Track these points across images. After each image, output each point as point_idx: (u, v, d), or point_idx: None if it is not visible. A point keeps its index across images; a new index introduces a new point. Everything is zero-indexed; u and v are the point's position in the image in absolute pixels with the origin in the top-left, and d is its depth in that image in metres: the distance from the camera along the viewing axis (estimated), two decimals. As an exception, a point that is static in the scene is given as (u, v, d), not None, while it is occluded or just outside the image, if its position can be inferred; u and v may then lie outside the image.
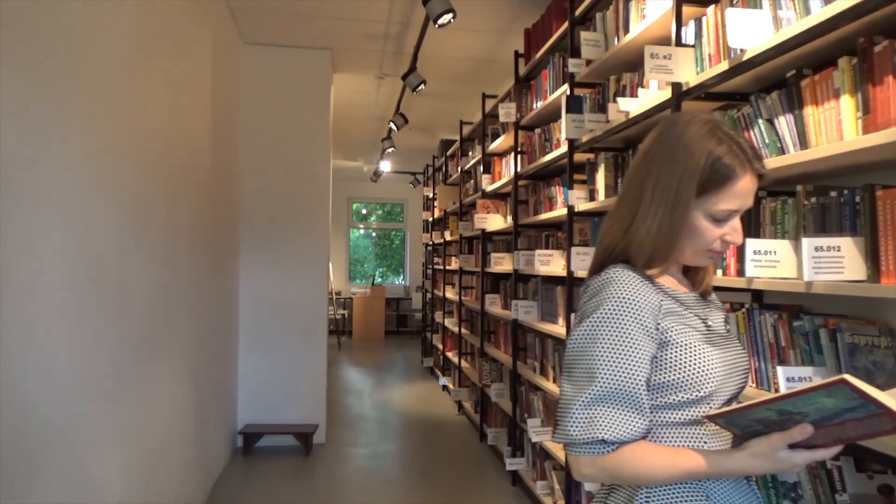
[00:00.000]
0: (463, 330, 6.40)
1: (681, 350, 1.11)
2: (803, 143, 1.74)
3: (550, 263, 3.68)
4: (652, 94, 2.47)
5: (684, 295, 1.20)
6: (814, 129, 1.71)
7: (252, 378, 5.02)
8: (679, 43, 2.24)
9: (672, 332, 1.11)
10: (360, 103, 6.93)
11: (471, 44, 4.97)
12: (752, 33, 1.83)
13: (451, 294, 7.18)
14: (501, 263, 4.74)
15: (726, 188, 1.12)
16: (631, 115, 2.56)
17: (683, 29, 2.27)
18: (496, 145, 5.09)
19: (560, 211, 3.51)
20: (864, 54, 1.54)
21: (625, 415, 1.06)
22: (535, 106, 4.10)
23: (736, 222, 1.16)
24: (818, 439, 1.00)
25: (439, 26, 3.50)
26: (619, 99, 2.64)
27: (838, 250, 1.57)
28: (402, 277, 13.42)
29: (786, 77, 1.82)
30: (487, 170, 5.39)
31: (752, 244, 1.75)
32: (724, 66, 1.98)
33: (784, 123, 1.80)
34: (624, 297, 1.10)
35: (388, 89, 6.25)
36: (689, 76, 2.18)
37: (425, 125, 7.74)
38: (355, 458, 4.91)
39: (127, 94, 2.46)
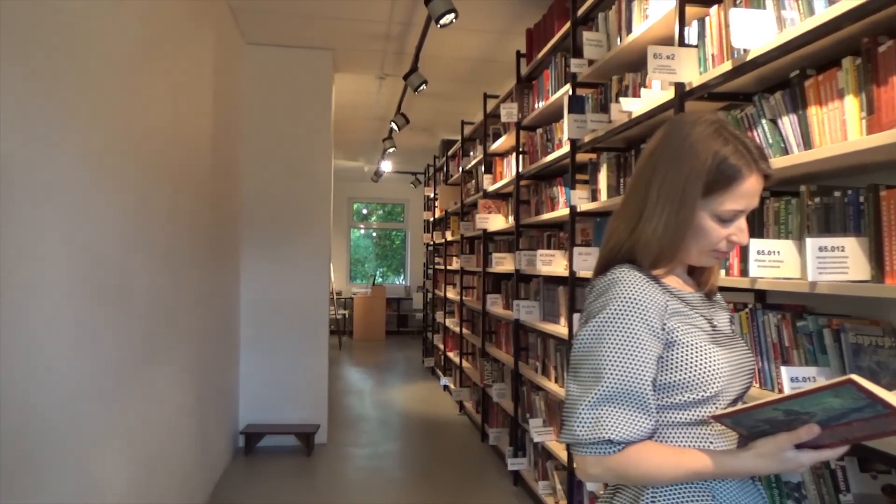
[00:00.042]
0: (464, 330, 6.40)
1: (687, 350, 1.11)
2: (807, 143, 1.74)
3: (552, 263, 3.68)
4: (655, 94, 2.47)
5: (690, 295, 1.20)
6: (817, 130, 1.71)
7: (253, 378, 5.02)
8: (682, 43, 2.24)
9: (678, 332, 1.11)
10: (361, 103, 6.93)
11: (472, 44, 4.97)
12: (756, 33, 1.83)
13: (452, 294, 7.18)
14: (503, 263, 4.74)
15: (732, 188, 1.12)
16: (633, 116, 2.56)
17: (686, 29, 2.26)
18: (498, 145, 5.09)
19: (562, 211, 3.51)
20: (869, 54, 1.54)
21: (631, 415, 1.06)
22: (536, 106, 4.10)
23: (742, 222, 1.16)
24: (825, 439, 1.00)
25: (441, 26, 3.50)
26: (621, 99, 2.64)
27: (842, 250, 1.57)
28: (402, 277, 13.42)
29: (789, 77, 1.82)
30: (489, 170, 5.39)
31: (755, 244, 1.75)
32: (727, 66, 1.98)
33: (788, 123, 1.80)
34: (630, 298, 1.10)
35: (390, 89, 6.25)
36: (692, 76, 2.18)
37: (426, 125, 7.74)
38: (357, 459, 4.91)
39: (128, 93, 2.46)
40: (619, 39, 2.87)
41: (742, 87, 2.08)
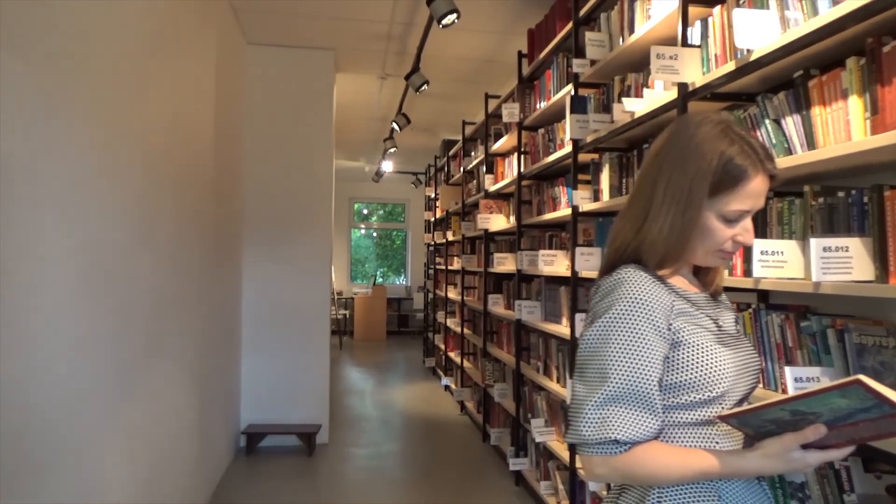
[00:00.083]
0: (465, 330, 6.40)
1: (693, 350, 1.11)
2: (811, 143, 1.74)
3: (554, 264, 3.68)
4: (657, 94, 2.47)
5: (695, 295, 1.20)
6: (821, 130, 1.71)
7: (255, 378, 5.03)
8: (685, 43, 2.24)
9: (684, 332, 1.11)
10: (362, 103, 6.93)
11: (473, 44, 4.97)
12: (760, 34, 1.83)
13: (453, 294, 7.19)
14: (504, 263, 4.74)
15: (738, 189, 1.12)
16: (636, 116, 2.56)
17: (689, 29, 2.27)
18: (499, 145, 5.09)
19: (564, 211, 3.51)
20: (873, 55, 1.54)
21: (637, 415, 1.07)
22: (538, 106, 4.10)
23: (747, 223, 1.16)
24: (831, 440, 1.00)
25: (443, 27, 3.50)
26: (624, 99, 2.64)
27: (846, 251, 1.57)
28: (403, 277, 13.42)
29: (793, 77, 1.82)
30: (490, 170, 5.40)
31: (759, 244, 1.75)
32: (730, 66, 1.98)
33: (791, 124, 1.80)
34: (636, 298, 1.10)
35: (391, 89, 6.25)
36: (696, 76, 2.18)
37: (427, 125, 7.74)
38: (358, 459, 4.91)
39: (131, 92, 2.46)
40: (621, 39, 2.87)
41: (745, 88, 2.08)
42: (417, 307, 12.32)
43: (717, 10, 2.14)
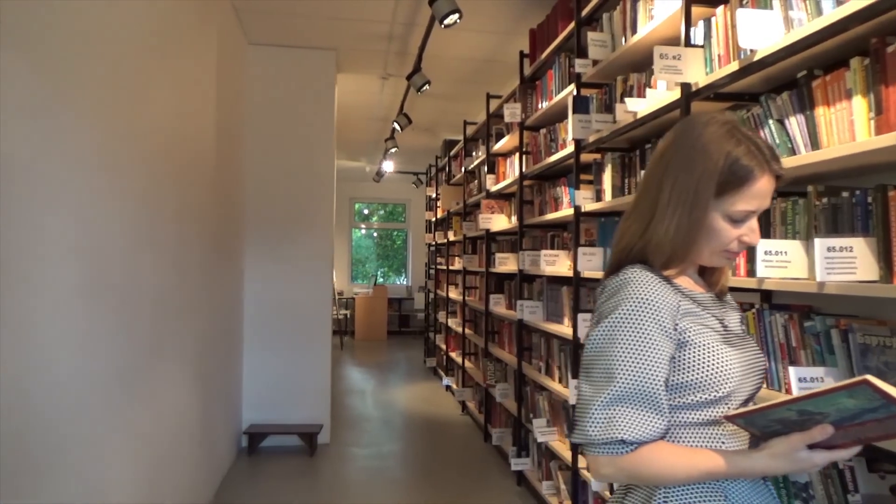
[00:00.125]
0: (467, 330, 6.40)
1: (699, 350, 1.11)
2: (814, 143, 1.74)
3: (556, 264, 3.68)
4: (660, 94, 2.47)
5: (701, 295, 1.21)
6: (825, 130, 1.71)
7: (256, 378, 5.03)
8: (688, 43, 2.24)
9: (690, 332, 1.12)
10: (363, 103, 6.93)
11: (475, 44, 4.97)
12: (763, 34, 1.83)
13: (454, 294, 7.19)
14: (506, 263, 4.74)
15: (744, 189, 1.12)
16: (639, 116, 2.56)
17: (692, 29, 2.27)
18: (501, 145, 5.09)
19: (566, 211, 3.51)
20: (877, 55, 1.54)
21: (644, 415, 1.07)
22: (540, 106, 4.10)
23: (753, 223, 1.16)
24: (837, 440, 1.00)
25: (445, 27, 3.50)
26: (626, 99, 2.64)
27: (850, 251, 1.57)
28: (403, 277, 13.43)
29: (796, 77, 1.82)
30: (492, 170, 5.40)
31: (762, 244, 1.76)
32: (734, 66, 1.98)
33: (795, 124, 1.80)
34: (642, 298, 1.10)
35: (392, 89, 6.25)
36: (699, 77, 2.18)
37: (428, 125, 7.74)
38: (360, 459, 4.92)
39: (134, 92, 2.47)
40: (623, 40, 2.87)
41: (748, 88, 2.08)
42: (418, 307, 12.32)
43: (720, 10, 2.15)
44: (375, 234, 13.78)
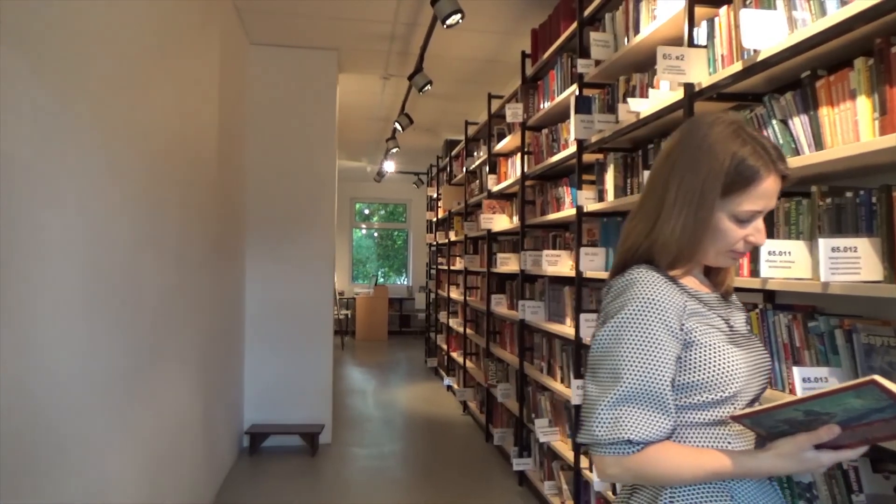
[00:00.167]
0: (468, 330, 6.40)
1: (705, 350, 1.11)
2: (818, 143, 1.75)
3: (558, 264, 3.68)
4: (663, 94, 2.47)
5: (707, 295, 1.21)
6: (829, 130, 1.71)
7: (258, 378, 5.03)
8: (691, 43, 2.24)
9: (696, 332, 1.12)
10: (364, 103, 6.93)
11: (476, 44, 4.97)
12: (767, 34, 1.83)
13: (455, 294, 7.19)
14: (507, 264, 4.74)
15: (750, 189, 1.12)
16: (642, 116, 2.56)
17: (695, 29, 2.27)
18: (502, 146, 5.09)
19: (569, 211, 3.51)
20: (881, 55, 1.54)
21: (650, 415, 1.07)
22: (542, 106, 4.10)
23: (759, 223, 1.16)
24: (844, 440, 1.00)
25: (447, 27, 3.50)
26: (629, 99, 2.64)
27: (855, 251, 1.57)
28: (404, 278, 13.43)
29: (800, 78, 1.82)
30: (493, 170, 5.40)
31: (766, 245, 1.75)
32: (737, 66, 1.98)
33: (799, 124, 1.80)
34: (648, 298, 1.10)
35: (393, 89, 6.26)
36: (702, 77, 2.18)
37: (429, 125, 7.74)
38: (361, 459, 4.92)
39: (136, 93, 2.47)
40: (626, 40, 2.87)
41: (751, 88, 2.08)
42: (419, 307, 12.33)
43: (723, 10, 2.15)
44: (376, 234, 13.78)
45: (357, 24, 4.64)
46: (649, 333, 1.09)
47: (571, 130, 3.28)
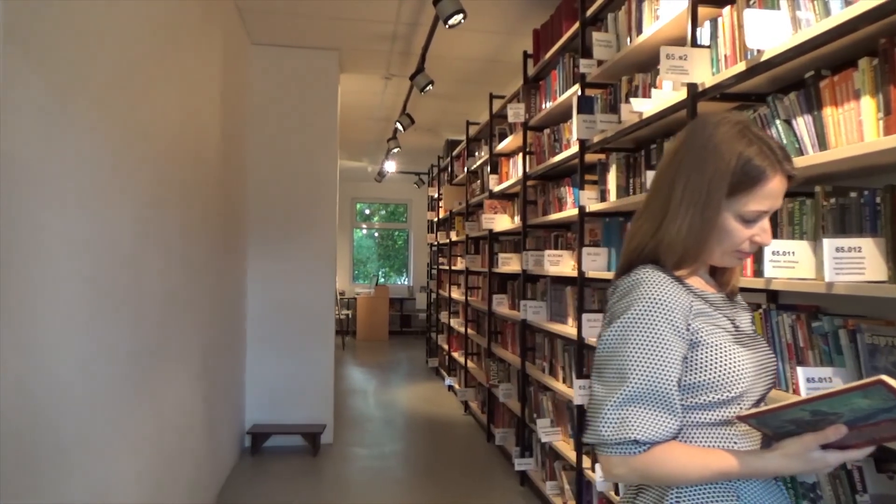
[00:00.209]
0: (469, 330, 6.40)
1: (712, 350, 1.11)
2: (822, 143, 1.75)
3: (560, 264, 3.68)
4: (666, 94, 2.47)
5: (712, 296, 1.21)
6: (833, 130, 1.71)
7: (259, 378, 5.03)
8: (694, 44, 2.24)
9: (703, 332, 1.12)
10: (365, 103, 6.93)
11: (478, 44, 4.97)
12: (771, 34, 1.83)
13: (456, 294, 7.19)
14: (509, 264, 4.74)
15: (756, 189, 1.12)
16: (645, 116, 2.56)
17: (699, 29, 2.27)
18: (504, 146, 5.09)
19: (571, 211, 3.51)
20: (886, 55, 1.54)
21: (657, 415, 1.07)
22: (544, 106, 4.10)
23: (765, 223, 1.16)
24: (851, 440, 1.00)
25: (450, 27, 3.50)
26: (632, 100, 2.64)
27: (859, 251, 1.57)
28: (405, 278, 13.43)
29: (804, 78, 1.82)
30: (495, 170, 5.40)
31: (770, 245, 1.75)
32: (741, 66, 1.98)
33: (802, 124, 1.80)
34: (655, 298, 1.10)
35: (395, 89, 6.26)
36: (705, 77, 2.18)
37: (430, 125, 7.74)
38: (363, 459, 4.92)
39: (140, 94, 2.47)
40: (628, 40, 2.87)
41: (755, 88, 2.08)
42: (420, 307, 12.33)
43: (726, 10, 2.15)
44: (377, 234, 13.78)
45: (358, 24, 4.64)
46: (655, 333, 1.09)
47: (574, 130, 3.28)
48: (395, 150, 7.48)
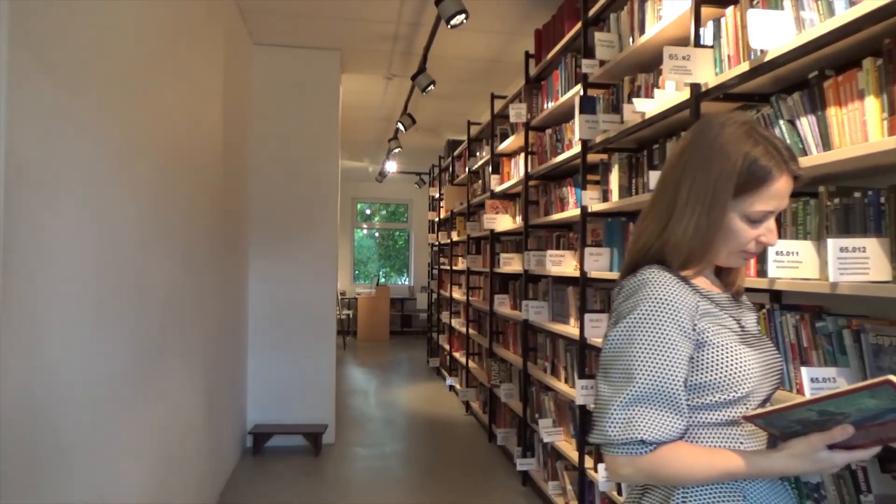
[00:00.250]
0: (470, 330, 6.40)
1: (718, 351, 1.11)
2: (826, 144, 1.74)
3: (562, 264, 3.68)
4: (669, 94, 2.47)
5: (718, 296, 1.21)
6: (837, 130, 1.71)
7: (261, 378, 5.03)
8: (697, 44, 2.24)
9: (709, 332, 1.12)
10: (366, 103, 6.93)
11: (479, 44, 4.97)
12: (775, 34, 1.83)
13: (458, 294, 7.19)
14: (511, 264, 4.74)
15: (763, 189, 1.12)
16: (647, 116, 2.56)
17: (702, 30, 2.27)
18: (505, 146, 5.09)
19: (573, 211, 3.51)
20: (890, 55, 1.54)
21: (663, 415, 1.07)
22: (546, 106, 4.10)
23: (771, 223, 1.16)
24: (858, 440, 1.01)
25: (452, 27, 3.50)
26: (635, 100, 2.64)
27: (863, 251, 1.57)
28: (406, 278, 13.43)
29: (807, 78, 1.82)
30: (496, 170, 5.40)
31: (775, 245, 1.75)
32: (744, 66, 1.98)
33: (806, 124, 1.80)
34: (661, 298, 1.10)
35: (396, 89, 6.26)
36: (708, 77, 2.18)
37: (431, 126, 7.74)
38: (364, 459, 4.92)
39: (144, 95, 2.47)
40: (631, 40, 2.87)
41: (758, 88, 2.08)
42: (421, 307, 12.33)
43: (729, 10, 2.14)
44: (377, 235, 13.78)
45: (360, 24, 4.65)
46: (662, 333, 1.09)
47: (576, 130, 3.28)
48: (396, 150, 7.48)
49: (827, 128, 1.73)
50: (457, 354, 7.07)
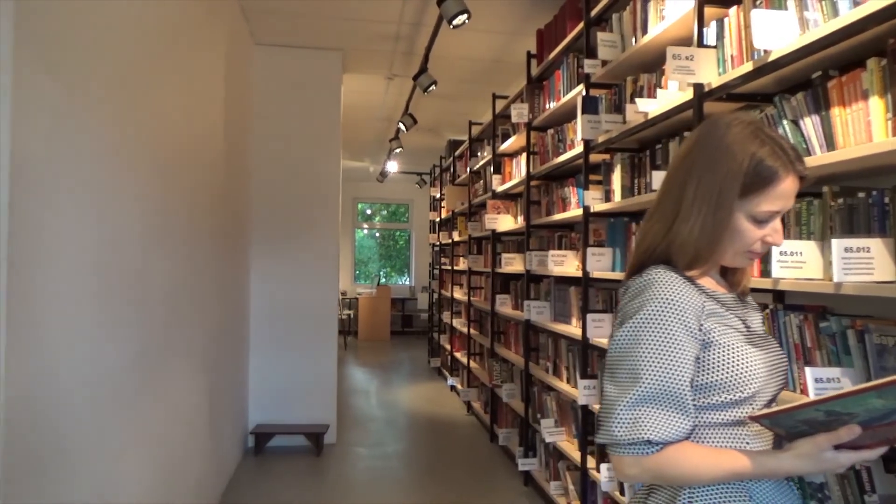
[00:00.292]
0: (472, 330, 6.40)
1: (724, 351, 1.11)
2: (830, 144, 1.75)
3: (564, 264, 3.68)
4: (672, 94, 2.47)
5: (724, 296, 1.21)
6: (841, 131, 1.71)
7: (263, 378, 5.03)
8: (701, 44, 2.24)
9: (715, 332, 1.12)
10: (367, 103, 6.93)
11: (481, 44, 4.97)
12: (778, 34, 1.83)
13: (459, 294, 7.19)
14: (512, 264, 4.74)
15: (769, 190, 1.12)
16: (650, 116, 2.56)
17: (705, 30, 2.27)
18: (507, 146, 5.09)
19: (575, 211, 3.51)
20: (894, 56, 1.54)
21: (669, 415, 1.07)
22: (547, 107, 4.10)
23: (777, 224, 1.16)
24: (864, 440, 1.00)
25: (454, 27, 3.50)
26: (637, 100, 2.64)
27: (868, 251, 1.57)
28: (406, 278, 13.43)
29: (811, 78, 1.82)
30: (498, 170, 5.40)
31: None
32: (748, 66, 1.98)
33: (810, 124, 1.80)
34: (667, 298, 1.10)
35: (397, 89, 6.26)
36: (712, 77, 2.18)
37: (432, 125, 7.74)
38: (366, 459, 4.92)
39: (146, 94, 2.47)
40: (633, 40, 2.87)
41: (761, 88, 2.08)
42: (422, 307, 12.33)
43: (733, 10, 2.15)
44: (378, 235, 13.79)
45: (362, 24, 4.65)
46: (668, 334, 1.09)
47: (578, 130, 3.28)
48: (398, 150, 7.48)
49: (831, 128, 1.73)
50: (458, 354, 7.07)
